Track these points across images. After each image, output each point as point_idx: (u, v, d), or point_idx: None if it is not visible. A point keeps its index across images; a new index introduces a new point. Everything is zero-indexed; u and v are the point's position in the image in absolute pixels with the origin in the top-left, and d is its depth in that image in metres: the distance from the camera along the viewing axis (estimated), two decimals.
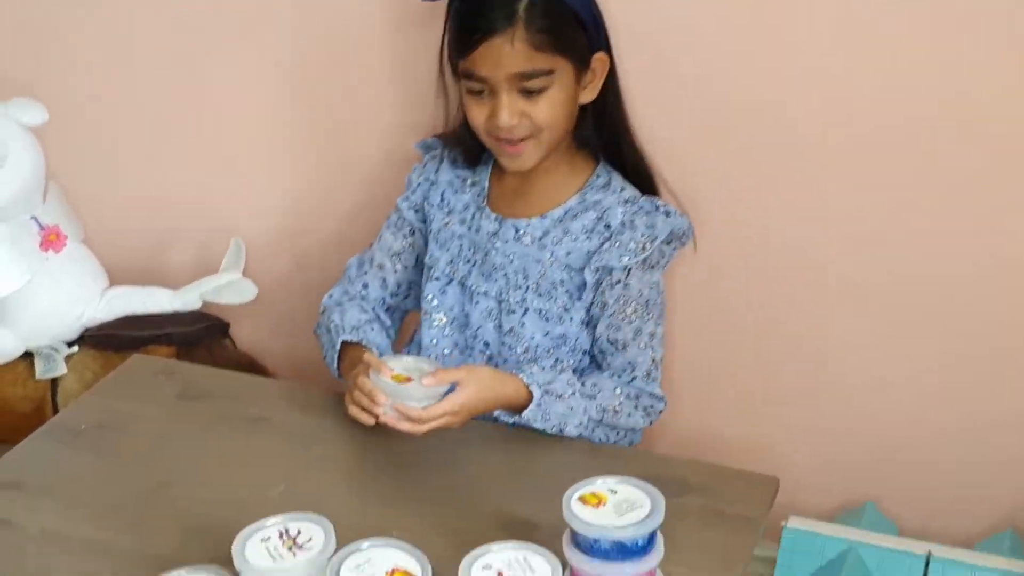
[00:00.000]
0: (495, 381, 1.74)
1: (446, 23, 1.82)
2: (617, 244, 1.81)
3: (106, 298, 2.29)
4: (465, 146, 1.91)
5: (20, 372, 2.21)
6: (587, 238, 1.83)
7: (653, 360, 1.86)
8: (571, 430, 1.78)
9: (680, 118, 1.96)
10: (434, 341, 1.91)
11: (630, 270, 1.81)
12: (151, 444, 1.82)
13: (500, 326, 1.88)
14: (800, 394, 2.09)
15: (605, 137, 1.88)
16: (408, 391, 1.68)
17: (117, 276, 2.36)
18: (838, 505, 2.11)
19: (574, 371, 1.89)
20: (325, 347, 1.92)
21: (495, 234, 1.87)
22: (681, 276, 2.04)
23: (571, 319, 1.86)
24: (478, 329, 1.89)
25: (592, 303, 1.85)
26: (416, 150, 2.01)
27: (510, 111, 1.75)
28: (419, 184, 1.95)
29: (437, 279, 1.91)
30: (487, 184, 1.92)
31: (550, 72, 1.75)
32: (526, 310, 1.86)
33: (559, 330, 1.86)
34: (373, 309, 1.96)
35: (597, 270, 1.82)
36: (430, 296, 1.91)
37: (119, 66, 2.31)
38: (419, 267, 1.97)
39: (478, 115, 1.79)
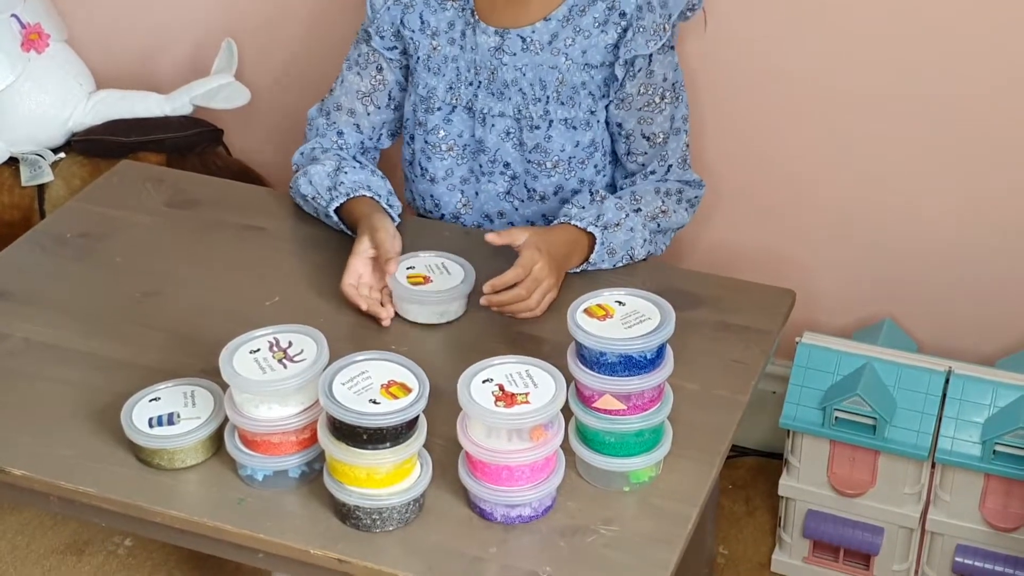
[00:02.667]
0: (549, 232, 1.65)
1: None
2: (641, 30, 1.70)
3: (92, 102, 2.19)
4: None
5: (5, 179, 2.14)
6: (602, 31, 1.72)
7: (686, 144, 1.78)
8: (639, 252, 1.71)
9: None
10: (449, 171, 1.81)
11: (652, 56, 1.72)
12: (139, 253, 1.76)
13: (522, 144, 1.78)
14: (820, 207, 2.01)
15: None
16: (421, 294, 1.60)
17: (104, 79, 2.26)
18: (855, 322, 2.05)
19: (606, 184, 1.82)
20: (314, 207, 1.78)
21: (499, 48, 1.75)
22: (700, 86, 1.95)
23: (598, 122, 1.77)
24: (496, 152, 1.79)
25: (610, 98, 1.76)
26: None
27: None
28: (387, 7, 1.78)
29: (439, 109, 1.78)
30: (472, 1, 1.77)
31: None
32: (551, 122, 1.75)
33: (588, 137, 1.77)
34: (354, 157, 1.83)
35: (627, 62, 1.72)
36: (433, 127, 1.79)
37: None
38: (392, 104, 1.84)
39: None
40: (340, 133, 1.84)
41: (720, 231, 2.07)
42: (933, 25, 1.83)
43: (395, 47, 1.81)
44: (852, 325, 2.06)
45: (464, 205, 1.83)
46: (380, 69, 1.82)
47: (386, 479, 1.29)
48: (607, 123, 1.79)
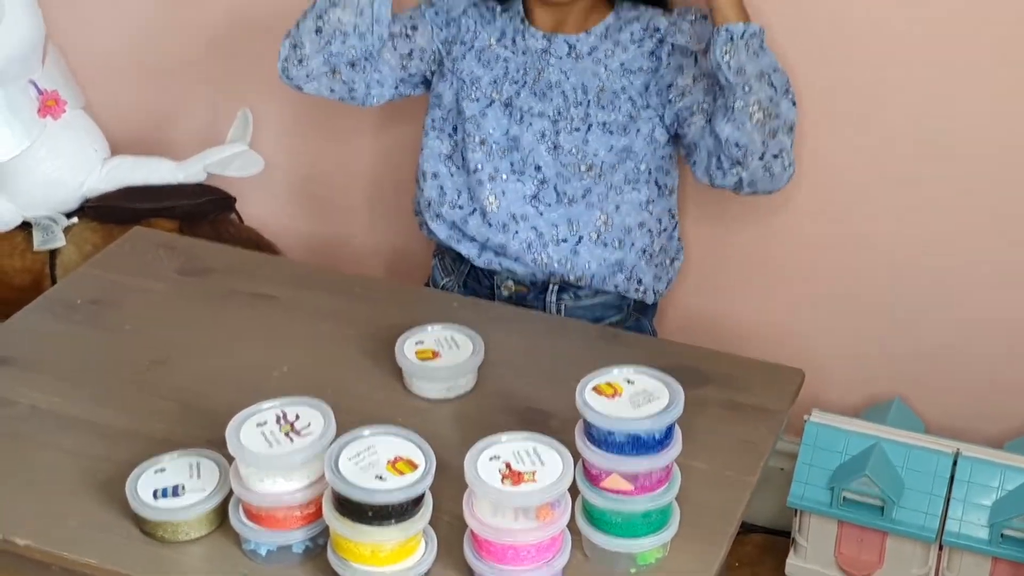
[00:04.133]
0: None
1: None
2: (680, 32, 1.77)
3: (107, 168, 2.21)
4: None
5: (18, 243, 2.15)
6: (638, 45, 1.79)
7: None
8: (778, 78, 1.70)
9: None
10: (480, 166, 1.83)
11: (696, 56, 1.77)
12: (148, 320, 1.76)
13: (556, 147, 1.79)
14: (828, 284, 2.01)
15: None
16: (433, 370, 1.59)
17: (119, 145, 2.28)
18: (864, 400, 2.04)
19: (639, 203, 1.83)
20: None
21: (546, 51, 1.80)
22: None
23: (637, 130, 1.79)
24: (529, 152, 1.80)
25: (671, 95, 1.78)
26: None
27: None
28: None
29: (477, 100, 1.82)
30: (522, 9, 1.83)
31: None
32: (590, 126, 1.78)
33: (624, 142, 1.79)
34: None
35: (671, 50, 1.77)
36: (471, 116, 1.82)
37: None
38: (404, 62, 1.85)
39: None
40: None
41: (725, 303, 2.06)
42: (938, 94, 1.84)
43: (443, 29, 1.85)
44: (861, 402, 2.04)
45: (493, 202, 1.83)
46: (415, 28, 1.84)
47: (390, 556, 1.28)
48: (682, 137, 1.80)
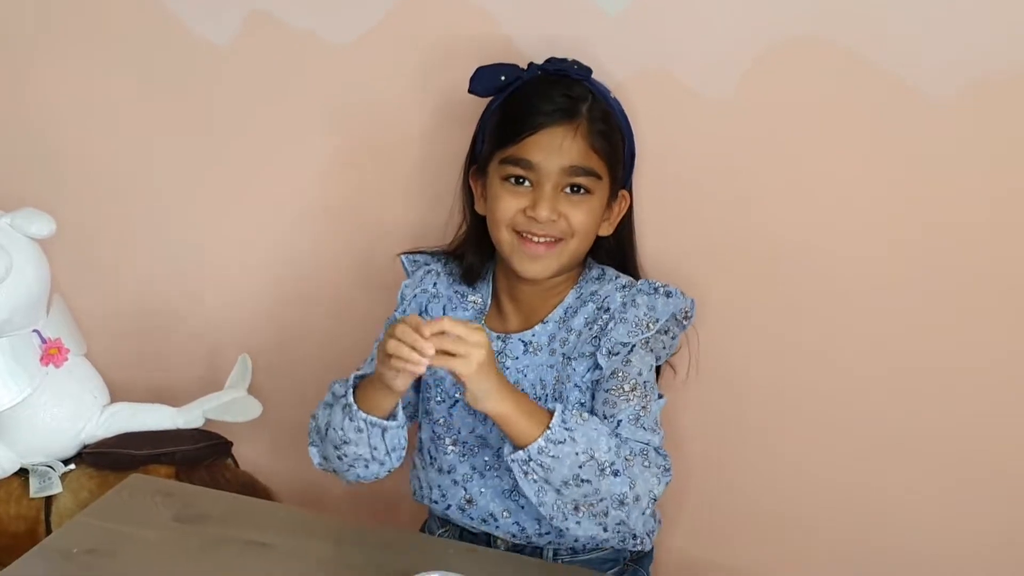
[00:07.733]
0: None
1: (486, 120, 1.81)
2: (622, 321, 1.74)
3: (106, 414, 2.23)
4: (469, 262, 1.86)
5: (14, 490, 2.15)
6: (589, 328, 1.78)
7: (657, 448, 1.70)
8: (603, 455, 1.59)
9: (688, 246, 1.94)
10: (452, 466, 1.84)
11: (633, 347, 1.74)
12: (144, 570, 1.75)
13: None
14: (830, 536, 2.00)
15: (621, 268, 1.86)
16: None
17: (119, 390, 2.30)
18: None
19: None
20: (333, 420, 1.73)
21: (501, 352, 1.81)
22: (690, 405, 1.98)
23: (592, 411, 1.77)
24: (499, 450, 1.81)
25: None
26: (402, 262, 1.93)
27: (551, 205, 1.72)
28: (415, 296, 1.87)
29: (442, 401, 1.84)
30: (489, 302, 1.86)
31: (599, 177, 1.74)
32: None
33: None
34: None
35: (608, 352, 1.74)
36: (438, 418, 1.84)
37: (130, 180, 2.30)
38: (417, 386, 1.88)
39: (511, 205, 1.74)
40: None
41: (722, 553, 2.05)
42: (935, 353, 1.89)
43: None
44: None
45: (468, 502, 1.83)
46: None
47: None
48: None
